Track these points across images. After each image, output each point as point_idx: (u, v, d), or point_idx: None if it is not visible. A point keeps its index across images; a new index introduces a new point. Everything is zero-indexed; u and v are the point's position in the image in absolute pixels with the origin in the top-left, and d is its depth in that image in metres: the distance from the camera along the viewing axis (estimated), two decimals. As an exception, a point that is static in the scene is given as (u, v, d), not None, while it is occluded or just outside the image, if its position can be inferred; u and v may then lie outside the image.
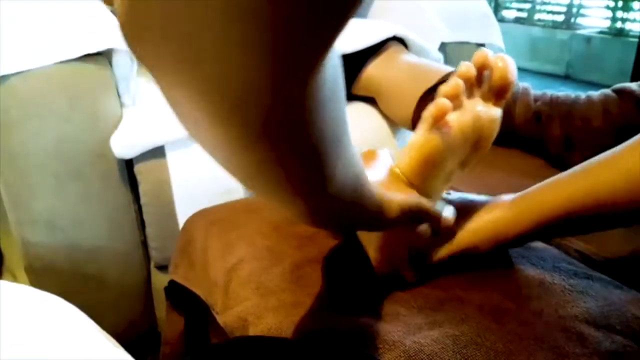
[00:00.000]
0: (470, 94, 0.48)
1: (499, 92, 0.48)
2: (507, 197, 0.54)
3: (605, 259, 0.61)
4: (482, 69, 0.48)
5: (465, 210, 0.54)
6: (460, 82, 0.47)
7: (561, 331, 0.47)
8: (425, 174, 0.49)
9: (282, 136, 0.25)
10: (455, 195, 0.57)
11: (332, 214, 0.37)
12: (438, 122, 0.47)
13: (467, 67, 0.47)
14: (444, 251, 0.54)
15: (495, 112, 0.49)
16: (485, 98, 0.49)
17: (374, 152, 0.52)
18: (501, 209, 0.53)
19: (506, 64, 0.47)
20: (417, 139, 0.49)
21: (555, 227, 0.51)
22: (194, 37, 0.19)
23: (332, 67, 0.25)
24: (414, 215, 0.48)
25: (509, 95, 0.49)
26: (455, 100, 0.47)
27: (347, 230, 0.46)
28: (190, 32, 0.18)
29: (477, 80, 0.48)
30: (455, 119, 0.47)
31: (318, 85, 0.23)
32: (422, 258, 0.55)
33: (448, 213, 0.51)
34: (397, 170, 0.49)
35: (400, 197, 0.46)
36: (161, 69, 0.21)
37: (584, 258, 0.65)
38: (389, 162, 0.50)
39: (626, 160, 0.46)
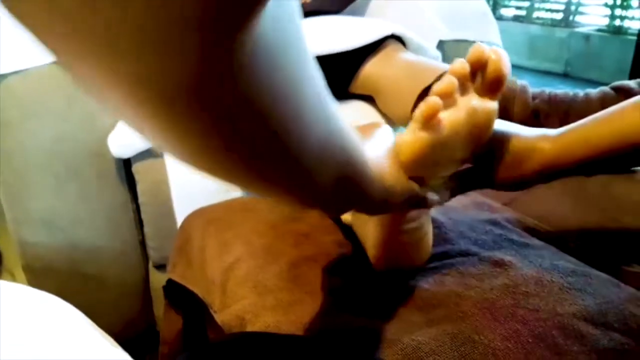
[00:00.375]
0: (464, 90, 0.48)
1: (493, 86, 0.48)
2: (552, 132, 0.56)
3: (604, 255, 0.61)
4: (477, 64, 0.47)
5: (508, 137, 0.55)
6: (454, 80, 0.46)
7: (559, 329, 0.47)
8: (418, 173, 0.48)
9: (216, 103, 0.21)
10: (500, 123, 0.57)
11: (319, 192, 0.34)
12: (429, 121, 0.46)
13: (461, 64, 0.47)
14: (486, 173, 0.56)
15: (490, 106, 0.49)
16: (480, 92, 0.48)
17: (373, 125, 0.50)
18: (546, 142, 0.55)
19: (500, 57, 0.46)
20: (406, 139, 0.47)
21: (598, 162, 0.54)
22: None
23: (276, 29, 0.22)
24: (412, 203, 0.49)
25: (504, 89, 0.48)
26: (449, 97, 0.47)
27: (343, 211, 0.44)
28: None
29: (472, 75, 0.48)
30: (448, 117, 0.47)
31: (249, 47, 0.20)
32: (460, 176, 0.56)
33: (441, 197, 0.53)
34: (397, 152, 0.48)
35: (402, 183, 0.46)
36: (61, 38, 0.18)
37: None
38: (389, 139, 0.48)
39: None
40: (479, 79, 0.48)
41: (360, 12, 1.30)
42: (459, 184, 0.56)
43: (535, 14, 4.37)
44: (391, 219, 0.54)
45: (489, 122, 0.50)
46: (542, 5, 4.34)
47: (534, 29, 4.33)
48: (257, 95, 0.23)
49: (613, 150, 0.53)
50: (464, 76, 0.47)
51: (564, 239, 0.64)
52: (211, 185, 0.98)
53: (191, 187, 0.99)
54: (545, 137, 0.55)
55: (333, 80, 1.16)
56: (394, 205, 0.46)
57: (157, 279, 1.08)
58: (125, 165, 1.03)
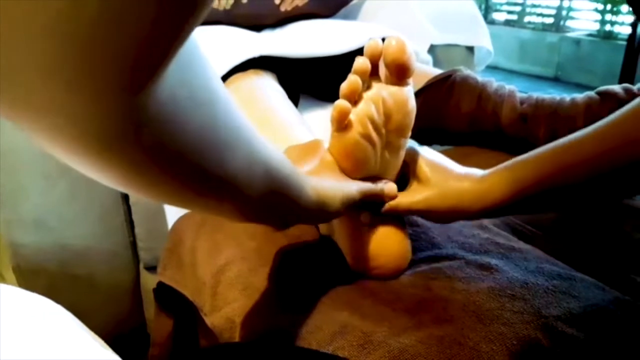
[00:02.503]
0: (370, 85, 0.50)
1: (397, 71, 0.49)
2: (478, 172, 0.55)
3: (589, 259, 0.62)
4: (375, 57, 0.49)
5: (436, 169, 0.56)
6: (356, 78, 0.49)
7: (544, 331, 0.47)
8: (352, 168, 0.52)
9: (134, 146, 0.24)
10: (428, 151, 0.58)
11: (254, 209, 0.38)
12: (343, 123, 0.49)
13: (362, 62, 0.49)
14: (405, 203, 0.55)
15: (400, 92, 0.51)
16: (388, 81, 0.50)
17: (317, 143, 0.54)
18: (470, 182, 0.54)
19: (396, 44, 0.48)
20: (331, 144, 0.52)
21: (520, 204, 0.52)
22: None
23: (182, 80, 0.25)
24: (356, 203, 0.51)
25: (410, 72, 0.50)
26: (355, 96, 0.49)
27: (286, 225, 0.47)
28: None
29: (374, 69, 0.50)
30: (356, 113, 0.50)
31: (157, 95, 0.23)
32: (379, 206, 0.56)
33: (389, 187, 0.54)
34: (330, 158, 0.52)
35: (338, 190, 0.48)
36: None
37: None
38: (322, 151, 0.53)
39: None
40: (382, 69, 0.50)
41: (352, 16, 1.30)
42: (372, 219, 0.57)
43: (527, 19, 4.39)
44: (347, 220, 0.57)
45: (405, 108, 0.51)
46: (534, 10, 4.37)
47: (525, 33, 4.35)
48: (172, 137, 0.26)
49: (538, 194, 0.50)
50: (365, 72, 0.49)
51: (550, 242, 0.65)
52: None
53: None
54: (471, 177, 0.54)
55: (324, 83, 1.18)
56: (335, 211, 0.48)
57: (148, 281, 1.08)
58: (117, 166, 1.03)
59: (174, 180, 0.29)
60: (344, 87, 0.49)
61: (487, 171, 0.54)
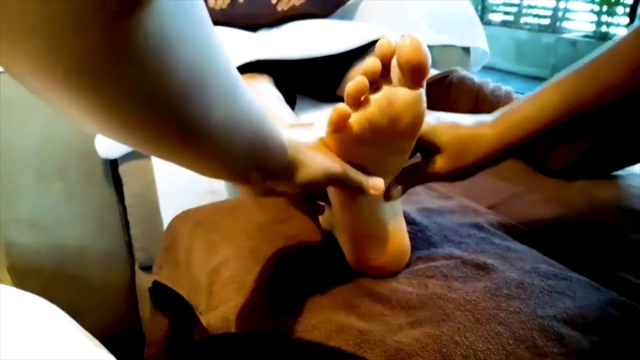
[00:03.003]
0: (379, 86, 0.47)
1: (412, 74, 0.45)
2: (489, 117, 0.57)
3: (585, 259, 0.62)
4: (388, 57, 0.46)
5: (450, 129, 0.56)
6: (364, 79, 0.46)
7: (539, 331, 0.47)
8: (355, 161, 0.50)
9: (115, 78, 0.24)
10: (437, 115, 0.58)
11: (231, 166, 0.38)
12: (340, 127, 0.47)
13: (373, 63, 0.46)
14: (429, 171, 0.56)
15: (410, 95, 0.46)
16: (401, 83, 0.47)
17: (311, 124, 0.53)
18: (484, 127, 0.56)
19: (412, 42, 0.44)
20: (325, 140, 0.49)
21: (537, 140, 0.55)
22: None
23: (174, 13, 0.24)
24: (339, 183, 0.49)
25: (426, 74, 0.46)
26: (360, 98, 0.47)
27: (266, 192, 0.45)
28: None
29: (385, 69, 0.46)
30: (357, 117, 0.47)
31: (144, 27, 0.22)
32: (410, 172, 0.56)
33: (375, 181, 0.51)
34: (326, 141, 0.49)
35: (326, 163, 0.47)
36: None
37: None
38: (321, 133, 0.50)
39: (601, 70, 0.55)
40: (394, 70, 0.47)
41: (348, 16, 1.30)
42: (408, 179, 0.57)
43: (523, 20, 4.40)
44: (345, 215, 0.56)
45: (409, 110, 0.47)
46: (530, 10, 4.38)
47: (522, 34, 4.36)
48: (156, 74, 0.25)
49: (550, 126, 0.54)
50: (375, 74, 0.46)
51: (546, 243, 0.65)
52: (198, 187, 0.98)
53: (178, 189, 0.99)
54: (483, 123, 0.56)
55: (321, 83, 1.18)
56: (314, 178, 0.46)
57: (144, 280, 1.08)
58: (112, 166, 1.03)
59: (151, 124, 0.28)
60: (349, 88, 0.46)
61: (494, 115, 0.57)
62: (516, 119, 0.56)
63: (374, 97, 0.47)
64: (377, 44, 0.46)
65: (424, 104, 0.48)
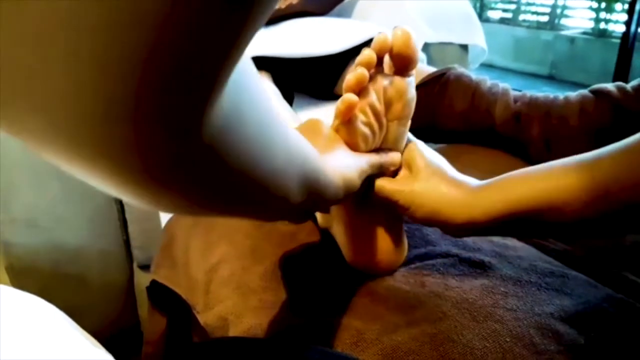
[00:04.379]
0: (372, 75, 0.50)
1: (401, 63, 0.50)
2: (474, 182, 0.52)
3: (582, 256, 0.62)
4: (384, 51, 0.50)
5: (431, 167, 0.53)
6: (363, 71, 0.48)
7: (536, 328, 0.47)
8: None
9: (193, 177, 0.22)
10: (428, 150, 0.56)
11: (288, 209, 0.38)
12: (348, 116, 0.49)
13: (369, 53, 0.49)
14: (388, 188, 0.53)
15: (401, 81, 0.51)
16: (391, 71, 0.51)
17: (316, 122, 0.52)
18: (460, 190, 0.51)
19: (402, 36, 0.48)
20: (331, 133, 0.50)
21: (508, 225, 0.48)
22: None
23: (235, 90, 0.22)
24: (367, 175, 0.50)
25: (415, 64, 0.50)
26: (360, 88, 0.49)
27: (310, 217, 0.47)
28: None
29: (380, 61, 0.50)
30: (359, 106, 0.49)
31: (216, 117, 0.20)
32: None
33: (392, 156, 0.54)
34: (333, 134, 0.50)
35: (355, 165, 0.47)
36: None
37: (560, 256, 0.66)
38: (325, 128, 0.51)
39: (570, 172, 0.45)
40: (387, 60, 0.51)
41: (346, 14, 1.30)
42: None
43: (522, 17, 4.40)
44: (346, 212, 0.56)
45: (401, 94, 0.51)
46: (528, 8, 4.38)
47: (520, 31, 4.36)
48: (233, 152, 0.24)
49: (529, 214, 0.47)
50: (371, 64, 0.49)
51: (543, 240, 0.65)
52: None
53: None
54: (464, 184, 0.52)
55: (319, 82, 1.18)
56: (356, 189, 0.47)
57: (142, 279, 1.08)
58: (110, 165, 1.03)
59: (221, 197, 0.27)
60: (350, 79, 0.49)
61: (482, 183, 0.51)
62: (496, 193, 0.49)
63: (370, 85, 0.50)
64: (375, 38, 0.49)
65: (413, 90, 0.52)
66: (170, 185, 0.22)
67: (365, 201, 0.55)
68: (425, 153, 0.55)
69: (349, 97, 0.48)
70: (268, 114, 0.28)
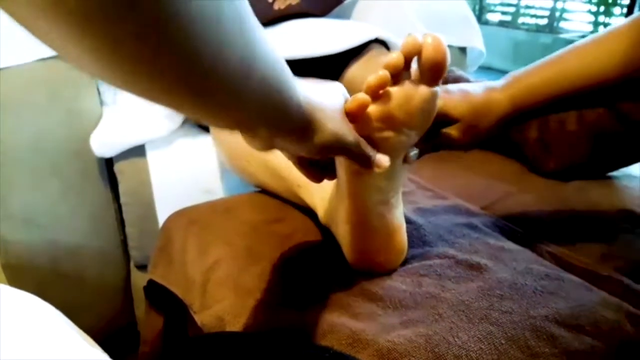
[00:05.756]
0: (398, 80, 0.48)
1: (432, 72, 0.47)
2: (498, 83, 0.61)
3: (578, 260, 0.62)
4: (411, 53, 0.47)
5: (462, 100, 0.59)
6: (386, 74, 0.46)
7: (531, 331, 0.48)
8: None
9: (130, 20, 0.23)
10: (445, 87, 0.60)
11: (242, 115, 0.36)
12: (357, 116, 0.47)
13: (397, 57, 0.47)
14: (457, 136, 0.59)
15: (427, 92, 0.48)
16: (418, 79, 0.48)
17: (338, 87, 0.50)
18: (495, 92, 0.59)
19: (435, 42, 0.46)
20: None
21: (548, 106, 0.58)
22: None
23: None
24: (349, 153, 0.47)
25: (445, 73, 0.48)
26: (381, 90, 0.47)
27: (272, 145, 0.44)
28: None
29: (407, 65, 0.47)
30: (377, 108, 0.47)
31: None
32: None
33: (381, 158, 0.50)
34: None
35: (341, 129, 0.45)
36: None
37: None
38: (344, 94, 0.49)
39: (611, 42, 0.56)
40: (415, 67, 0.48)
41: (345, 16, 1.30)
42: (425, 146, 0.58)
43: (521, 20, 4.41)
44: (355, 211, 0.55)
45: (425, 107, 0.49)
46: (527, 11, 4.38)
47: (519, 34, 4.36)
48: (172, 14, 0.24)
49: (559, 95, 0.57)
50: (397, 68, 0.47)
51: (539, 243, 0.65)
52: (193, 186, 0.98)
53: (173, 188, 0.99)
54: (494, 89, 0.59)
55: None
56: (324, 140, 0.44)
57: (139, 279, 1.08)
58: (108, 164, 1.03)
59: (164, 69, 0.26)
60: (371, 80, 0.46)
61: (505, 79, 0.61)
62: (531, 83, 0.58)
63: (394, 91, 0.47)
64: (404, 41, 0.47)
65: (437, 101, 0.50)
66: (97, 22, 0.22)
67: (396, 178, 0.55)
68: (447, 97, 0.59)
69: (362, 96, 0.46)
70: (224, 4, 0.27)
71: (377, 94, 0.47)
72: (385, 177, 0.53)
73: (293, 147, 0.44)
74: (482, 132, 0.59)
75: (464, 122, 0.58)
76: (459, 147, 0.60)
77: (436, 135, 0.59)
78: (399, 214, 0.57)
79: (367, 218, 0.55)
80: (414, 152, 0.55)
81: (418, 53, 0.46)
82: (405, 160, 0.55)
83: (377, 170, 0.50)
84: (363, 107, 0.47)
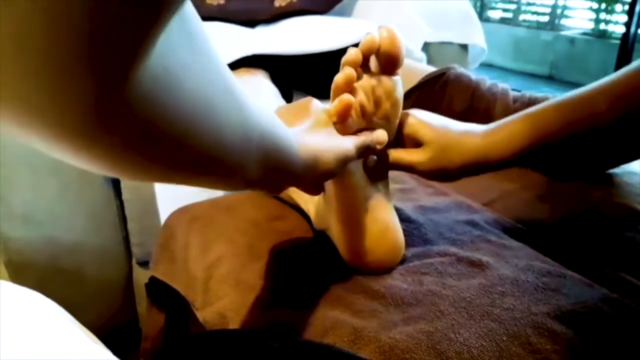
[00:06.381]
0: (359, 75, 0.50)
1: (387, 63, 0.50)
2: (480, 127, 0.58)
3: (579, 257, 0.62)
4: (371, 51, 0.50)
5: (437, 129, 0.57)
6: (351, 70, 0.49)
7: (533, 328, 0.48)
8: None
9: (121, 128, 0.23)
10: (431, 115, 0.59)
11: (250, 179, 0.37)
12: (345, 116, 0.49)
13: (355, 53, 0.49)
14: (407, 159, 0.57)
15: (389, 81, 0.52)
16: (377, 71, 0.51)
17: (308, 102, 0.53)
18: (475, 137, 0.57)
19: (389, 34, 0.49)
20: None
21: (526, 155, 0.56)
22: None
23: (171, 51, 0.23)
24: (352, 159, 0.50)
25: (400, 63, 0.51)
26: (350, 87, 0.50)
27: (282, 189, 0.47)
28: None
29: (365, 60, 0.50)
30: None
31: (143, 77, 0.22)
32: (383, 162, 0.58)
33: (377, 134, 0.53)
34: (324, 116, 0.50)
35: (337, 148, 0.47)
36: None
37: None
38: (318, 108, 0.51)
39: (595, 99, 0.55)
40: (374, 60, 0.51)
41: (346, 13, 1.30)
42: (386, 157, 0.58)
43: (522, 17, 4.41)
44: (344, 210, 0.56)
45: (389, 94, 0.52)
46: (529, 8, 4.38)
47: (520, 31, 4.36)
48: (166, 115, 0.24)
49: (538, 149, 0.55)
50: (357, 64, 0.49)
51: (541, 240, 0.65)
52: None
53: (175, 185, 0.99)
54: (473, 132, 0.58)
55: (317, 79, 1.18)
56: (330, 169, 0.47)
57: (141, 276, 1.08)
58: (109, 161, 1.03)
59: (166, 158, 0.27)
60: (339, 79, 0.49)
61: (488, 126, 0.58)
62: (507, 132, 0.57)
63: (359, 85, 0.50)
64: (363, 39, 0.50)
65: (400, 90, 0.53)
66: (100, 141, 0.23)
67: (375, 178, 0.56)
68: (425, 120, 0.57)
69: (346, 97, 0.48)
70: (212, 84, 0.28)
71: (348, 90, 0.50)
72: (362, 175, 0.56)
73: (302, 183, 0.49)
74: (450, 168, 0.57)
75: (430, 148, 0.57)
76: (421, 174, 0.58)
77: (399, 152, 0.58)
78: (390, 211, 0.58)
79: (355, 216, 0.56)
80: (373, 158, 0.56)
81: (376, 50, 0.50)
82: (365, 162, 0.56)
83: (379, 147, 0.53)
84: (349, 106, 0.49)
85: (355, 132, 0.52)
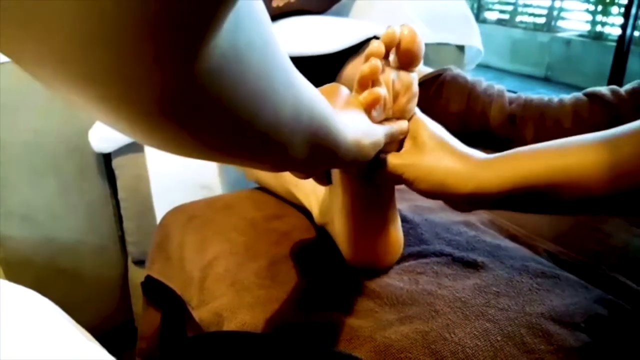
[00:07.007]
0: (383, 68, 0.51)
1: (407, 59, 0.52)
2: (481, 155, 0.52)
3: (574, 258, 0.63)
4: (392, 45, 0.51)
5: (436, 139, 0.54)
6: (377, 61, 0.49)
7: (527, 328, 0.48)
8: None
9: (190, 112, 0.23)
10: (433, 123, 0.56)
11: (294, 159, 0.36)
12: (369, 82, 0.49)
13: (378, 45, 0.50)
14: (392, 162, 0.54)
15: (407, 76, 0.53)
16: (398, 66, 0.53)
17: (336, 86, 0.51)
18: (464, 163, 0.51)
19: (409, 32, 0.50)
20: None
21: (517, 198, 0.48)
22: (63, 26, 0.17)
23: (238, 29, 0.23)
24: (380, 147, 0.49)
25: (419, 61, 0.52)
26: (375, 78, 0.50)
27: (318, 172, 0.48)
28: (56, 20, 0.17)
29: (386, 54, 0.51)
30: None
31: (213, 58, 0.22)
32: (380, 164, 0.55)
33: (400, 124, 0.54)
34: (354, 98, 0.50)
35: (372, 135, 0.47)
36: (36, 63, 0.20)
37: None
38: (349, 94, 0.51)
39: (603, 149, 0.45)
40: (394, 55, 0.52)
41: (344, 13, 1.31)
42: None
43: (518, 18, 4.42)
44: (351, 202, 0.56)
45: (406, 89, 0.53)
46: (525, 9, 4.39)
47: (517, 32, 4.37)
48: (231, 94, 0.24)
49: (542, 188, 0.47)
50: (380, 55, 0.50)
51: (535, 241, 0.66)
52: (191, 182, 0.99)
53: (171, 183, 0.99)
54: (465, 158, 0.52)
55: (315, 81, 1.17)
56: (368, 158, 0.48)
57: (137, 275, 1.08)
58: (106, 160, 1.03)
59: (226, 138, 0.27)
60: (365, 69, 0.49)
61: (489, 156, 0.51)
62: (507, 168, 0.50)
63: (383, 78, 0.51)
64: (385, 32, 0.51)
65: (416, 85, 0.54)
66: (166, 121, 0.23)
67: (370, 181, 0.55)
68: (430, 126, 0.55)
69: (377, 90, 0.49)
70: (273, 61, 0.28)
71: (372, 81, 0.50)
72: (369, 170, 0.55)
73: (342, 166, 0.50)
74: (444, 196, 0.52)
75: (427, 148, 0.53)
76: (407, 183, 0.54)
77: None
78: (393, 207, 0.58)
79: (363, 210, 0.56)
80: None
81: (396, 43, 0.51)
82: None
83: (401, 137, 0.54)
84: (379, 99, 0.49)
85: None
